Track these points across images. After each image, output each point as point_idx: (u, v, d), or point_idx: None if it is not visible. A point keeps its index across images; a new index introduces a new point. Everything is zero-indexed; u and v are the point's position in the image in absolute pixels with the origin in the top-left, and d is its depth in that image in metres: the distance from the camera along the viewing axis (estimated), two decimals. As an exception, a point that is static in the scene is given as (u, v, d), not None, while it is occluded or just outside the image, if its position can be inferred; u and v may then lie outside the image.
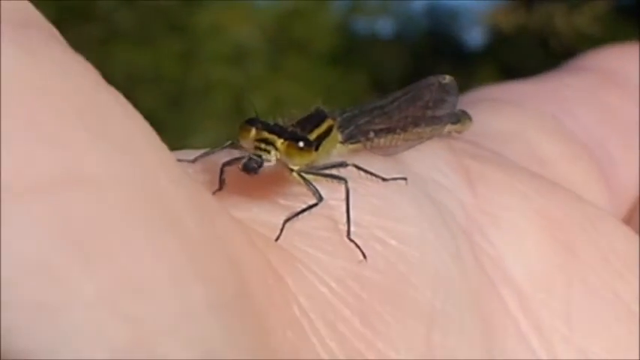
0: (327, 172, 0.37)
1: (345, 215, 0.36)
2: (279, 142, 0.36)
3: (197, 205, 0.29)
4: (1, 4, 0.28)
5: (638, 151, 0.50)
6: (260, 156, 0.36)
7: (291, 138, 0.37)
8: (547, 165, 0.46)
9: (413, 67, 3.07)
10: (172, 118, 2.57)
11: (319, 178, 0.37)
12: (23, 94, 0.26)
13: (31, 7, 0.29)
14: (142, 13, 2.69)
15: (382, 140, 0.41)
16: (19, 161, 0.25)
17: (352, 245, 0.35)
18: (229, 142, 0.38)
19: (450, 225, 0.39)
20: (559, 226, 0.41)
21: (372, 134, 0.41)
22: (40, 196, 0.25)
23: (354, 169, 0.38)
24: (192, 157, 0.38)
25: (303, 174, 0.37)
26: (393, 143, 0.41)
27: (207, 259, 0.28)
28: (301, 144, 0.36)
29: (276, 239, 0.35)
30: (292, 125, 0.38)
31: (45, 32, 0.29)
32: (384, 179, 0.38)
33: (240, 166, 0.36)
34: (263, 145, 0.36)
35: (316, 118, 0.39)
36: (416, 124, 0.42)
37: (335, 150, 0.39)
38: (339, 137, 0.40)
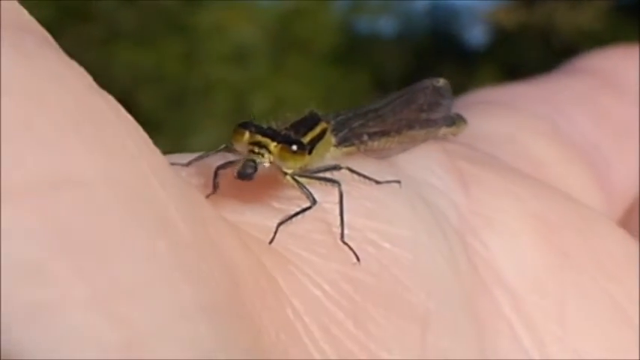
0: (321, 175, 0.37)
1: (338, 218, 0.36)
2: (273, 145, 0.36)
3: (189, 208, 0.29)
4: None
5: (633, 153, 0.50)
6: (254, 160, 0.36)
7: (285, 141, 0.37)
8: (542, 167, 0.46)
9: (415, 66, 3.07)
10: (174, 117, 2.57)
11: (313, 181, 0.37)
12: (16, 98, 0.26)
13: (25, 12, 0.29)
14: (143, 13, 2.69)
15: (376, 143, 0.41)
16: (12, 163, 0.25)
17: (346, 248, 0.35)
18: (223, 145, 0.38)
19: (443, 227, 0.39)
20: (553, 227, 0.41)
21: (365, 137, 0.41)
22: (32, 198, 0.25)
23: (348, 172, 0.38)
24: (186, 161, 0.38)
25: (296, 177, 0.37)
26: (387, 146, 0.41)
27: (199, 262, 0.28)
28: (294, 147, 0.37)
29: (270, 242, 0.35)
30: (286, 128, 0.38)
31: (39, 37, 0.29)
32: (377, 182, 0.38)
33: (234, 173, 0.36)
34: (256, 149, 0.36)
35: (310, 122, 0.39)
36: (410, 127, 0.42)
37: (329, 153, 0.39)
38: (333, 140, 0.40)
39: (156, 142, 0.31)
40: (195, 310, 0.27)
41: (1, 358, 0.24)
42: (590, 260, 0.41)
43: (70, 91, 0.27)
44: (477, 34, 3.41)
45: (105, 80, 0.31)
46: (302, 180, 0.37)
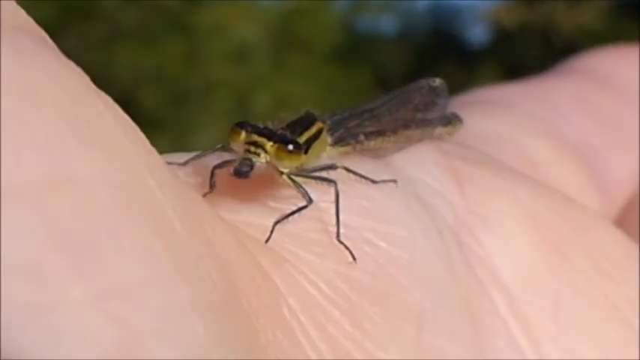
0: (317, 174, 0.38)
1: (334, 217, 0.36)
2: (269, 144, 0.37)
3: (185, 208, 0.30)
4: None
5: (629, 153, 0.50)
6: (250, 159, 0.36)
7: (281, 141, 0.37)
8: (537, 167, 0.47)
9: (416, 65, 3.07)
10: (175, 117, 2.57)
11: (309, 180, 0.37)
12: (14, 98, 0.26)
13: (22, 12, 0.30)
14: (144, 13, 2.69)
15: (372, 143, 0.41)
16: (9, 164, 0.25)
17: (342, 247, 0.36)
18: (220, 145, 0.38)
19: (439, 226, 0.39)
20: (548, 227, 0.42)
21: (362, 137, 0.41)
22: (29, 198, 0.25)
23: (344, 171, 0.38)
24: (182, 160, 0.38)
25: (292, 176, 0.37)
26: (383, 146, 0.42)
27: (196, 261, 0.28)
28: (290, 147, 0.37)
29: (266, 241, 0.35)
30: (282, 128, 0.38)
31: (36, 37, 0.29)
32: (373, 181, 0.38)
33: (231, 171, 0.36)
34: (253, 148, 0.36)
35: (306, 121, 0.39)
36: (406, 127, 0.43)
37: (325, 153, 0.40)
38: (329, 140, 0.40)
39: (157, 142, 0.31)
40: (192, 309, 0.27)
41: (2, 358, 0.24)
42: (585, 260, 0.41)
43: (68, 91, 0.27)
44: (477, 33, 3.41)
45: (106, 79, 0.31)
46: (298, 179, 0.37)
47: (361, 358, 0.34)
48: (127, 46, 2.60)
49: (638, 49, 0.53)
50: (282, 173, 0.37)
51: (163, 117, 2.53)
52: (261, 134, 0.37)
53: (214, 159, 0.37)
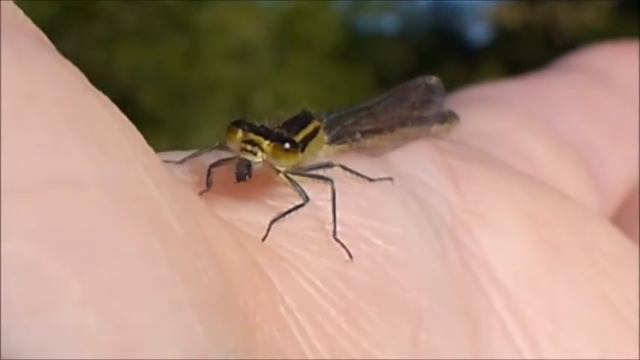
0: (314, 172, 0.38)
1: (331, 215, 0.36)
2: (265, 143, 0.37)
3: (182, 206, 0.30)
4: None
5: (626, 150, 0.50)
6: (247, 159, 0.36)
7: (277, 139, 0.37)
8: (535, 165, 0.47)
9: (417, 64, 3.07)
10: (175, 116, 2.57)
11: (305, 178, 0.37)
12: (12, 98, 0.26)
13: (20, 12, 0.30)
14: (145, 12, 2.69)
15: (369, 141, 0.41)
16: (7, 164, 0.25)
17: (338, 245, 0.36)
18: (217, 143, 0.38)
19: (435, 224, 0.39)
20: (545, 225, 0.42)
21: (358, 135, 0.41)
22: (27, 198, 0.25)
23: (341, 169, 0.38)
24: (179, 159, 0.38)
25: (289, 175, 0.37)
26: (380, 144, 0.42)
27: (193, 260, 0.29)
28: (287, 145, 0.37)
29: (263, 239, 0.35)
30: (279, 127, 0.38)
31: (34, 37, 0.29)
32: (370, 179, 0.38)
33: (232, 178, 0.36)
34: (249, 147, 0.37)
35: (302, 120, 0.39)
36: (402, 125, 0.43)
37: (321, 151, 0.40)
38: (326, 138, 0.40)
39: (157, 141, 0.32)
40: (190, 308, 0.27)
41: (2, 358, 0.24)
42: (582, 257, 0.41)
43: (66, 90, 0.28)
44: (479, 32, 3.42)
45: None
46: (295, 178, 0.37)
47: (357, 357, 0.34)
48: (127, 46, 2.60)
49: (635, 45, 0.53)
50: (278, 172, 0.37)
51: (163, 116, 2.53)
52: (257, 133, 0.37)
53: (211, 157, 0.38)
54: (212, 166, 0.37)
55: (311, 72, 2.79)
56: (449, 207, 0.40)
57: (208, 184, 0.37)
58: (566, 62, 0.55)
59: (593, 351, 0.40)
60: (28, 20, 0.30)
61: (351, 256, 0.36)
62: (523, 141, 0.48)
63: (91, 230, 0.26)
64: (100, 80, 0.30)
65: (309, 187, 0.37)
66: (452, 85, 0.52)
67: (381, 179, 0.38)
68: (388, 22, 3.39)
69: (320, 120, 0.40)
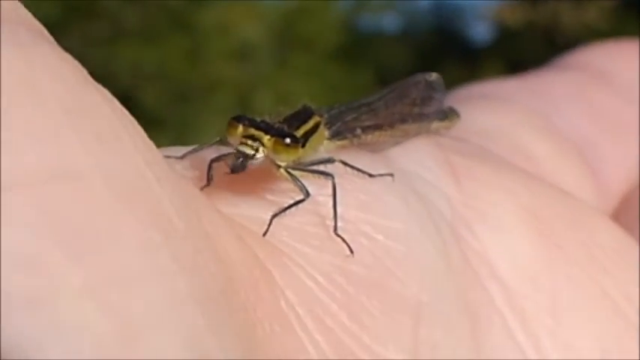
0: (314, 168, 0.38)
1: (332, 210, 0.36)
2: (266, 138, 0.37)
3: (183, 201, 0.30)
4: None
5: (625, 147, 0.50)
6: (245, 152, 0.36)
7: (278, 134, 0.37)
8: (534, 162, 0.47)
9: (419, 63, 3.06)
10: (177, 115, 2.57)
11: (306, 174, 0.37)
12: (12, 91, 0.26)
13: (20, 5, 0.30)
14: (147, 11, 2.69)
15: (369, 137, 0.41)
16: (8, 156, 0.25)
17: (339, 240, 0.36)
18: (217, 138, 0.38)
19: (436, 220, 0.39)
20: (545, 221, 0.42)
21: (359, 131, 0.41)
22: (27, 189, 0.25)
23: (341, 165, 0.38)
24: (180, 154, 0.38)
25: (290, 170, 0.37)
26: (380, 140, 0.42)
27: (193, 254, 0.29)
28: (288, 140, 0.37)
29: (264, 234, 0.35)
30: (279, 122, 0.38)
31: (34, 31, 0.29)
32: (370, 175, 0.38)
33: (226, 171, 0.36)
34: (250, 142, 0.37)
35: (303, 115, 0.39)
36: (403, 121, 0.43)
37: (322, 146, 0.40)
38: (326, 134, 0.40)
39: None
40: (190, 301, 0.27)
41: (1, 348, 0.24)
42: (582, 253, 0.41)
43: (66, 83, 0.28)
44: (481, 32, 3.42)
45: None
46: (295, 173, 0.37)
47: (358, 351, 0.34)
48: (128, 45, 2.60)
49: (635, 43, 0.53)
50: (279, 167, 0.37)
51: (165, 116, 2.53)
52: (258, 128, 0.37)
53: (212, 152, 0.38)
54: (213, 161, 0.37)
55: (312, 71, 2.79)
56: (449, 203, 0.40)
57: (209, 179, 0.37)
58: (566, 60, 0.55)
59: (593, 346, 0.40)
60: (29, 14, 0.30)
61: (352, 251, 0.36)
62: (523, 138, 0.48)
63: (91, 222, 0.26)
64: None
65: (310, 182, 0.37)
66: (453, 84, 0.52)
67: (381, 175, 0.38)
68: (390, 21, 3.39)
69: (321, 115, 0.40)
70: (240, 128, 0.37)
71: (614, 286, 0.41)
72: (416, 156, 0.41)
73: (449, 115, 0.45)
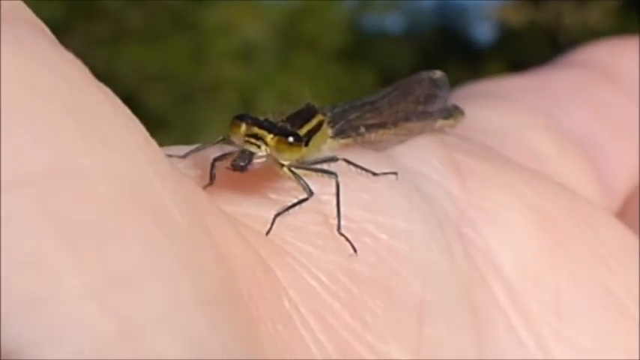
0: (318, 166, 0.38)
1: (335, 209, 0.36)
2: (269, 137, 0.37)
3: (185, 199, 0.30)
4: None
5: (630, 146, 0.50)
6: (249, 151, 0.36)
7: (281, 133, 0.37)
8: (539, 160, 0.46)
9: (422, 63, 3.06)
10: (181, 115, 2.58)
11: (310, 172, 0.37)
12: (13, 89, 0.26)
13: (21, 3, 0.30)
14: (150, 12, 2.70)
15: (373, 135, 0.41)
16: (8, 155, 0.25)
17: (342, 239, 0.36)
18: (220, 137, 0.38)
19: (440, 219, 0.39)
20: (550, 220, 0.41)
21: (362, 129, 0.41)
22: (28, 188, 0.25)
23: (345, 163, 0.38)
24: (182, 153, 0.38)
25: (293, 169, 0.37)
26: (384, 138, 0.42)
27: (195, 253, 0.28)
28: (291, 139, 0.37)
29: (267, 233, 0.35)
30: (282, 121, 0.38)
31: (34, 28, 0.29)
32: (374, 174, 0.38)
33: (227, 165, 0.36)
34: (253, 140, 0.36)
35: (306, 114, 0.39)
36: (407, 119, 0.43)
37: (325, 145, 0.39)
38: (330, 132, 0.40)
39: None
40: (191, 300, 0.27)
41: (1, 349, 0.24)
42: (586, 252, 0.41)
43: (67, 81, 0.27)
44: (484, 32, 3.41)
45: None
46: (299, 171, 0.37)
47: (362, 350, 0.34)
48: (132, 45, 2.61)
49: (638, 41, 0.53)
50: (282, 165, 0.37)
51: (168, 116, 2.53)
52: (261, 126, 0.37)
53: (215, 151, 0.37)
54: (215, 160, 0.37)
55: (316, 72, 2.79)
56: (453, 201, 0.40)
57: (212, 178, 0.36)
58: (569, 58, 0.55)
59: (596, 344, 0.40)
60: (29, 11, 0.30)
61: (355, 250, 0.35)
62: (527, 136, 0.47)
63: (92, 221, 0.26)
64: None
65: (313, 181, 0.37)
66: (456, 84, 0.52)
67: (385, 173, 0.38)
68: (393, 21, 3.39)
69: (324, 114, 0.40)
70: (244, 127, 0.37)
71: (619, 284, 0.41)
72: (420, 154, 0.41)
73: (453, 113, 0.45)
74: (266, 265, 0.33)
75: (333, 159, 0.38)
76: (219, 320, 0.28)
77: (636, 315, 0.41)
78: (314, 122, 0.39)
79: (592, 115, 0.50)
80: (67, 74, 0.28)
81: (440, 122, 0.44)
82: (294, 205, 0.36)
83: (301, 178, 0.37)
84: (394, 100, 0.43)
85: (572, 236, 0.41)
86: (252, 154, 0.36)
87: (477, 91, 0.52)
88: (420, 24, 3.39)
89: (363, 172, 0.38)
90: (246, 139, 0.37)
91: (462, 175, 0.41)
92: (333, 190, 0.36)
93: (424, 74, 0.44)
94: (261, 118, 0.37)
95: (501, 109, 0.49)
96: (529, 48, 3.01)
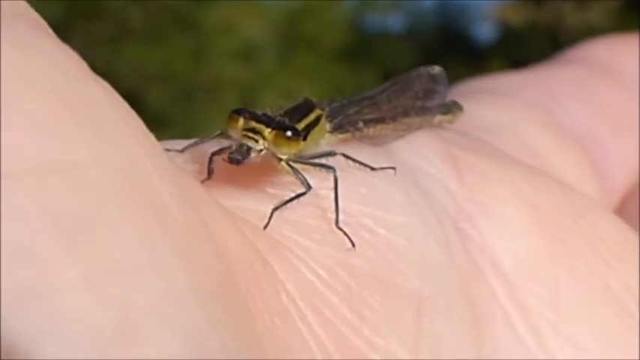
0: (316, 161, 0.38)
1: (333, 204, 0.36)
2: (267, 131, 0.36)
3: (183, 193, 0.30)
4: None
5: (628, 142, 0.50)
6: (247, 145, 0.36)
7: (279, 127, 0.37)
8: (538, 156, 0.46)
9: (423, 63, 3.05)
10: (182, 115, 2.58)
11: (308, 167, 0.37)
12: (11, 83, 0.26)
13: (21, 1, 0.30)
14: (151, 12, 2.70)
15: (371, 130, 0.41)
16: (6, 148, 0.25)
17: (341, 233, 0.36)
18: (218, 131, 0.38)
19: (438, 214, 0.39)
20: (548, 215, 0.41)
21: (361, 124, 0.41)
22: (25, 181, 0.25)
23: (343, 158, 0.38)
24: (180, 147, 0.38)
25: (291, 163, 0.37)
26: (383, 133, 0.41)
27: (193, 246, 0.28)
28: (289, 133, 0.37)
29: (265, 227, 0.35)
30: (280, 115, 0.38)
31: (32, 23, 0.29)
32: (372, 168, 0.38)
33: (225, 157, 0.36)
34: (251, 135, 0.36)
35: (304, 108, 0.39)
36: (405, 114, 0.42)
37: (323, 139, 0.39)
38: (328, 127, 0.40)
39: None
40: (190, 293, 0.27)
41: (1, 347, 0.24)
42: (584, 247, 0.41)
43: (65, 75, 0.27)
44: (485, 32, 3.41)
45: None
46: (297, 166, 0.37)
47: (359, 344, 0.34)
48: (133, 45, 2.61)
49: (637, 38, 0.53)
50: (280, 160, 0.37)
51: (169, 115, 2.53)
52: (259, 121, 0.37)
53: (213, 146, 0.37)
54: (213, 154, 0.37)
55: (317, 71, 2.79)
56: (451, 196, 0.40)
57: (209, 172, 0.36)
58: (568, 54, 0.55)
59: (594, 339, 0.40)
60: (28, 6, 0.30)
61: (353, 245, 0.35)
62: (526, 132, 0.47)
63: (89, 214, 0.26)
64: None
65: (311, 175, 0.37)
66: (458, 84, 0.52)
67: (383, 168, 0.38)
68: (394, 21, 3.38)
69: (322, 109, 0.40)
70: (241, 121, 0.37)
71: (617, 279, 0.41)
72: (418, 149, 0.41)
73: (452, 108, 0.45)
74: (264, 259, 0.33)
75: (332, 153, 0.38)
76: (216, 314, 0.28)
77: (635, 310, 0.41)
78: (312, 117, 0.39)
79: (590, 111, 0.50)
80: (64, 69, 0.28)
81: (438, 118, 0.44)
82: (292, 199, 0.36)
83: (299, 173, 0.37)
84: (393, 96, 0.43)
85: (570, 231, 0.41)
86: (249, 148, 0.36)
87: (475, 87, 0.52)
88: (421, 24, 3.39)
89: (362, 166, 0.38)
90: (244, 133, 0.36)
91: (460, 171, 0.41)
92: (331, 184, 0.36)
93: (423, 70, 0.44)
94: (259, 113, 0.37)
95: (499, 105, 0.49)
96: (530, 48, 3.00)
